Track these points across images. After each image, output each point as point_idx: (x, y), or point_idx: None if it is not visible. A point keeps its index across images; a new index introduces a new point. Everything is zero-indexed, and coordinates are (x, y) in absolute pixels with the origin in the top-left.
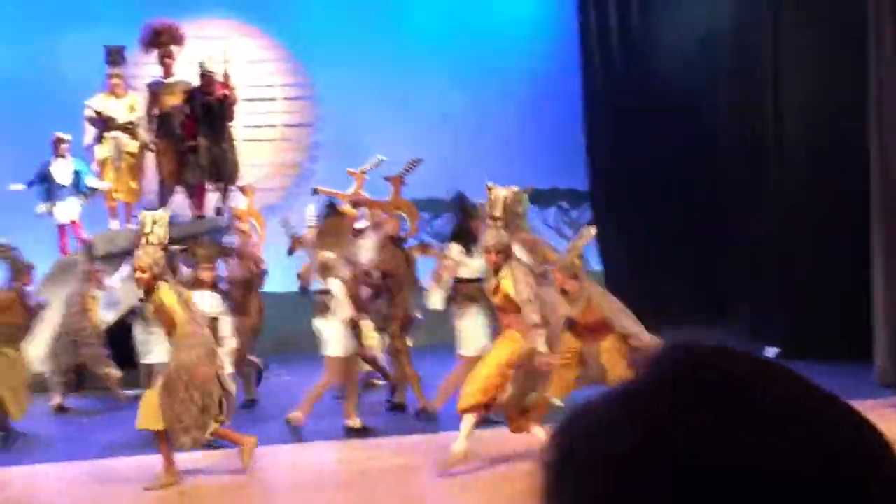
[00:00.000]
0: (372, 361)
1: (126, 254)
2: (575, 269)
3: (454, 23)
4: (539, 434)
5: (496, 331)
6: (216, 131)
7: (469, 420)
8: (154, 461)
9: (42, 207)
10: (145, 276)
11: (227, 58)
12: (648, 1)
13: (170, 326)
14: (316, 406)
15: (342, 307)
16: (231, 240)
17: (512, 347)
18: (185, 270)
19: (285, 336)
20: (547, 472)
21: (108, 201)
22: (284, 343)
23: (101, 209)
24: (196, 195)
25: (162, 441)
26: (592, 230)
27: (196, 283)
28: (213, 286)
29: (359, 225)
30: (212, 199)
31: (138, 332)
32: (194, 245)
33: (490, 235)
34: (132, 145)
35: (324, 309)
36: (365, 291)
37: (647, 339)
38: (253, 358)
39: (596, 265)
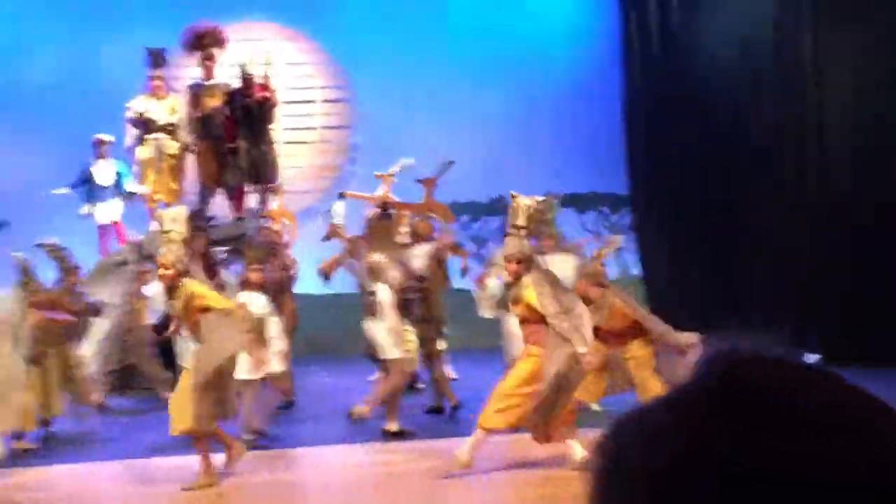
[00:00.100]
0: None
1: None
2: (598, 276)
3: (493, 26)
4: (568, 443)
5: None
6: (256, 133)
7: (482, 434)
8: (194, 462)
9: (84, 209)
10: (169, 272)
11: (268, 60)
12: (689, 3)
13: (197, 323)
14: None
15: (388, 312)
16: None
17: (531, 365)
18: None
19: (314, 337)
20: (594, 480)
21: (149, 203)
22: (314, 344)
23: (142, 210)
24: (236, 197)
25: (199, 442)
26: (619, 239)
27: (245, 284)
28: (261, 287)
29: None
30: (251, 200)
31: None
32: (243, 246)
33: (511, 244)
34: (173, 147)
35: (372, 311)
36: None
37: (676, 338)
38: None
39: (635, 270)
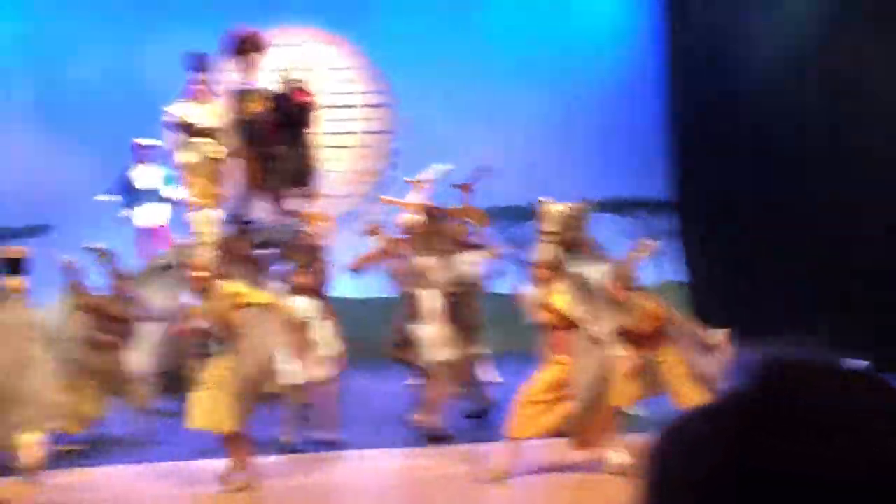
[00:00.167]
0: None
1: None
2: (629, 279)
3: (534, 29)
4: (608, 449)
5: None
6: (296, 138)
7: (512, 443)
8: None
9: (125, 212)
10: (203, 275)
11: (309, 65)
12: (734, 7)
13: (233, 324)
14: (394, 412)
15: (434, 316)
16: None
17: (558, 372)
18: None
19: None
20: (642, 488)
21: (191, 207)
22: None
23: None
24: (276, 201)
25: (234, 443)
26: (653, 243)
27: (294, 288)
28: (308, 291)
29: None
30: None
31: None
32: (288, 250)
33: (541, 251)
34: (214, 151)
35: (416, 315)
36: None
37: (705, 337)
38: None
39: (678, 275)
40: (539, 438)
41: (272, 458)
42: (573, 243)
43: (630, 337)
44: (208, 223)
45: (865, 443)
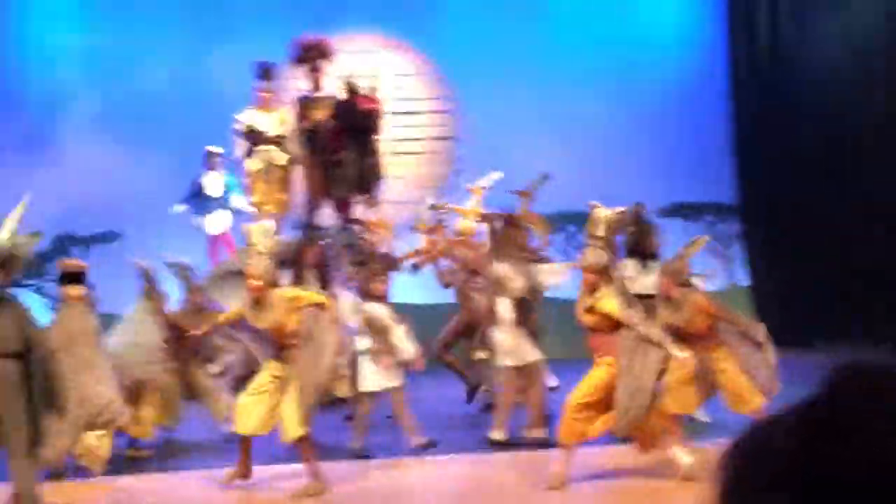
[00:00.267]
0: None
1: (281, 264)
2: (681, 275)
3: (599, 34)
4: (672, 451)
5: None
6: (362, 144)
7: (565, 450)
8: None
9: (197, 220)
10: (258, 284)
11: (374, 72)
12: (798, 10)
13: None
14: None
15: (508, 322)
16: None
17: (604, 375)
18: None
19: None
20: (715, 494)
21: (257, 214)
22: None
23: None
24: (342, 208)
25: (306, 448)
26: (705, 239)
27: (370, 295)
28: (385, 298)
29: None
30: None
31: None
32: (366, 257)
33: (589, 255)
34: (281, 158)
35: (490, 320)
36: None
37: (756, 333)
38: None
39: (743, 280)
40: (597, 445)
41: (341, 464)
42: (632, 247)
43: (682, 335)
44: (263, 233)
45: None
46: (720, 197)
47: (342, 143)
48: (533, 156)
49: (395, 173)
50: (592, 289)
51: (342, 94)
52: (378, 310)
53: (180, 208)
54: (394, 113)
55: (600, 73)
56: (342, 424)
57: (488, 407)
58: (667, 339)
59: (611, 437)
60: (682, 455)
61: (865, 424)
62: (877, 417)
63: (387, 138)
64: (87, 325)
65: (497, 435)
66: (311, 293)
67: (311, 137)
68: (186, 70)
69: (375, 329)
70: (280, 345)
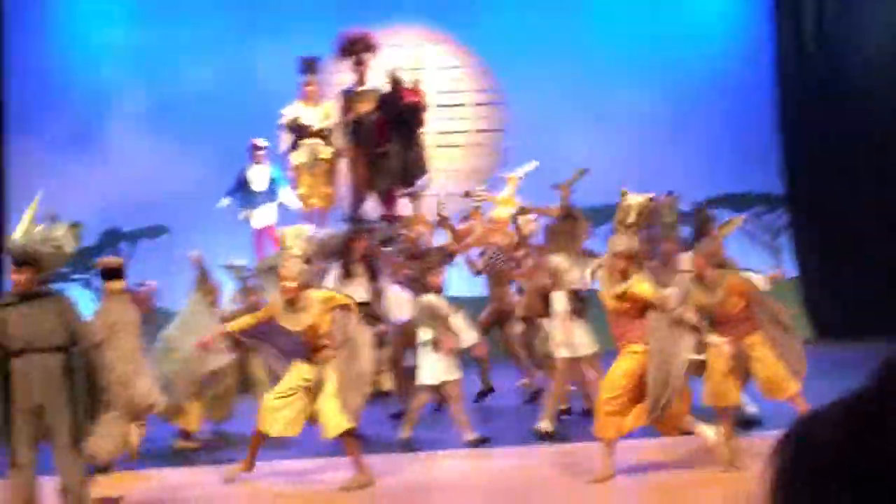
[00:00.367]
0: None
1: (330, 255)
2: (716, 255)
3: (645, 26)
4: (702, 433)
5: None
6: (406, 137)
7: (607, 444)
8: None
9: (243, 213)
10: (293, 285)
11: (418, 65)
12: (845, 1)
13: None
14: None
15: (563, 313)
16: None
17: (634, 362)
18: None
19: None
20: (766, 486)
21: (303, 207)
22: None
23: (297, 215)
24: (387, 200)
25: (350, 442)
26: (741, 218)
27: (427, 288)
28: (440, 290)
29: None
30: (402, 204)
31: None
32: (425, 251)
33: (619, 241)
34: (326, 152)
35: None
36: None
37: (787, 317)
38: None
39: (791, 270)
40: (637, 438)
41: (386, 457)
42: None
43: (717, 320)
44: (297, 236)
45: None
46: (767, 187)
47: (386, 136)
48: (577, 147)
49: (440, 166)
50: (623, 275)
51: (386, 88)
52: (435, 301)
53: (226, 202)
54: (438, 105)
55: (645, 64)
56: (384, 418)
57: (534, 396)
58: (702, 322)
59: (651, 431)
60: (706, 429)
61: None
62: None
63: (431, 131)
64: (129, 317)
65: (544, 426)
66: (341, 295)
67: (356, 130)
68: (232, 66)
69: (435, 319)
70: (313, 347)
